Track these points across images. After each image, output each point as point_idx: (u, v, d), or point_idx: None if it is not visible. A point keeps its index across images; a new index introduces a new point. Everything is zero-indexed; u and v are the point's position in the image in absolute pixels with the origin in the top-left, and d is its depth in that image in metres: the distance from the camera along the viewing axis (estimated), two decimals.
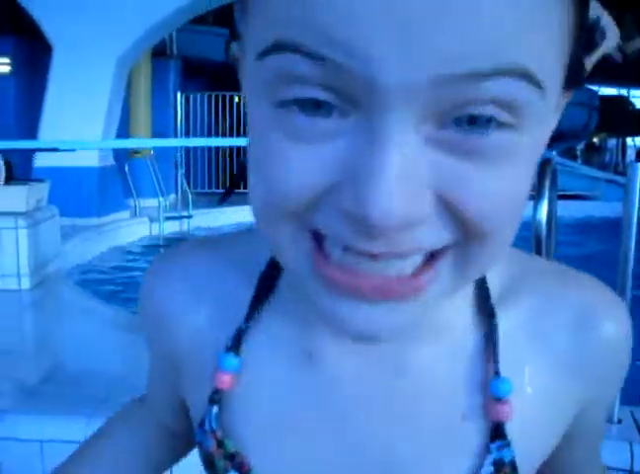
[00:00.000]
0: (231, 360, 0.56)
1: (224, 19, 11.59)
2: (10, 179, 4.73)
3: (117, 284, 5.86)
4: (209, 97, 12.96)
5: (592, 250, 8.31)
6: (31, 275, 4.64)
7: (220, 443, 0.56)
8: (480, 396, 0.54)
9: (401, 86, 0.34)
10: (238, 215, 9.71)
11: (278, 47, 0.36)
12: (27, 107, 9.42)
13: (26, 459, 2.43)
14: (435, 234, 0.39)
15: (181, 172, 10.85)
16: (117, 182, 8.28)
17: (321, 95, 0.36)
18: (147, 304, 0.63)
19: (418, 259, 0.41)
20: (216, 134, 13.21)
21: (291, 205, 0.40)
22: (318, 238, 0.42)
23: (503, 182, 0.38)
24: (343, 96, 0.36)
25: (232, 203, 10.55)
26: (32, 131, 7.77)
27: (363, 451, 0.55)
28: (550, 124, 0.44)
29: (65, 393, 2.74)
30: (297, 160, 0.38)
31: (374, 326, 0.41)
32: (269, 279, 0.57)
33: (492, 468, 0.53)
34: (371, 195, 0.35)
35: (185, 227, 8.93)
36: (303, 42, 0.35)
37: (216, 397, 0.57)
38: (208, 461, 0.58)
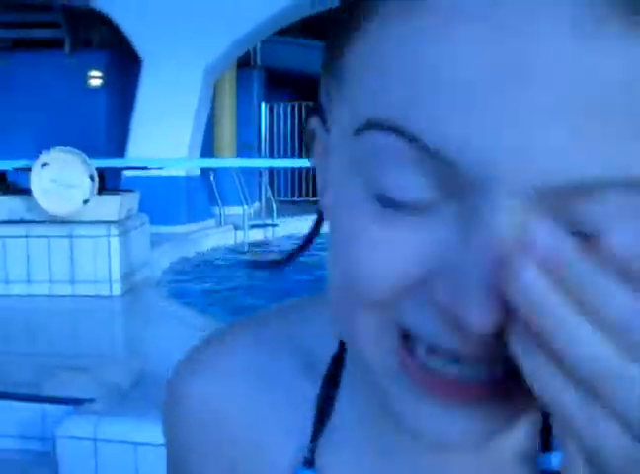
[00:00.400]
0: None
1: (307, 29, 11.74)
2: (102, 189, 4.87)
3: (202, 291, 5.95)
4: (293, 107, 13.10)
5: None
6: (122, 281, 4.76)
7: None
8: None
9: (511, 192, 0.30)
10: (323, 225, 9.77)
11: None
12: (117, 118, 9.70)
13: (120, 461, 2.50)
14: None
15: (265, 180, 10.97)
16: (203, 191, 8.43)
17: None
18: (183, 409, 0.53)
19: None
20: (300, 143, 13.32)
21: (375, 294, 0.35)
22: (404, 335, 0.36)
23: None
24: (444, 188, 0.32)
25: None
26: (121, 141, 8.00)
27: None
28: None
29: (157, 397, 2.80)
30: (387, 243, 0.34)
31: (447, 433, 0.37)
32: (334, 380, 0.49)
33: None
34: (473, 291, 0.31)
35: (269, 235, 9.01)
36: (408, 127, 0.31)
37: None
38: None
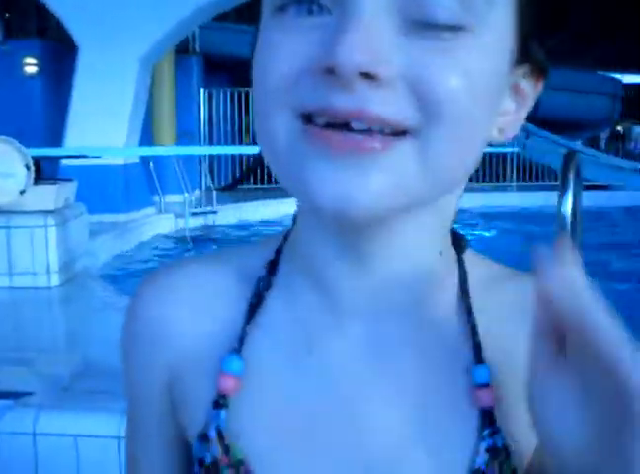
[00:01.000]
0: (235, 363, 0.56)
1: (245, 15, 11.68)
2: (38, 178, 4.79)
3: (140, 278, 5.92)
4: (232, 93, 13.02)
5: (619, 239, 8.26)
6: (60, 271, 4.69)
7: (227, 449, 0.55)
8: (465, 382, 0.56)
9: None
10: (263, 210, 9.78)
11: None
12: (53, 106, 9.53)
13: (60, 454, 2.48)
14: (399, 108, 0.45)
15: (205, 168, 10.91)
16: (142, 178, 8.35)
17: None
18: (142, 315, 0.63)
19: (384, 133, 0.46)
20: (239, 130, 13.27)
21: (282, 83, 0.47)
22: (307, 120, 0.47)
23: (461, 71, 0.45)
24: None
25: (257, 198, 10.61)
26: (58, 130, 7.86)
27: (367, 448, 0.55)
28: (501, 52, 0.49)
29: (98, 389, 2.79)
30: (288, 45, 0.46)
31: (347, 190, 0.46)
32: (265, 282, 0.59)
33: (487, 456, 0.54)
34: (339, 44, 0.43)
35: (210, 222, 8.98)
36: None
37: (222, 401, 0.56)
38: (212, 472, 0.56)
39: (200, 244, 7.90)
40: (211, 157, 11.77)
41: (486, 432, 0.54)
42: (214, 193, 9.33)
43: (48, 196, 4.74)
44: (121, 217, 7.49)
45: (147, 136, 9.46)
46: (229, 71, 13.90)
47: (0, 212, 4.67)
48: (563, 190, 2.65)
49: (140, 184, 8.21)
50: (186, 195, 8.36)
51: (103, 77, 7.52)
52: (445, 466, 0.54)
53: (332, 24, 0.45)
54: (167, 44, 8.58)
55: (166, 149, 7.49)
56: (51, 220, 4.63)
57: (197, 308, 0.61)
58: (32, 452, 2.49)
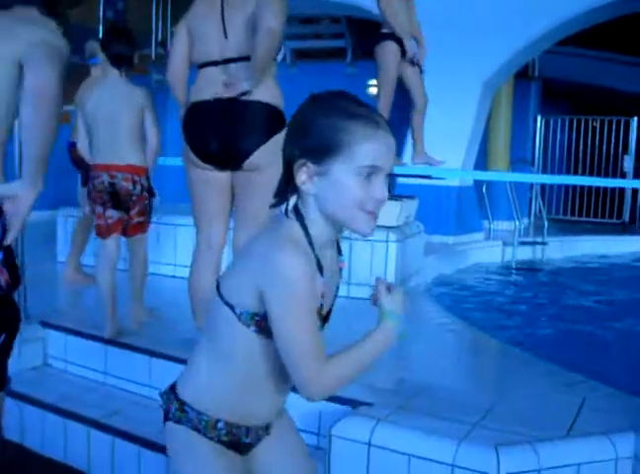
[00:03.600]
0: (322, 279, 1.48)
1: (585, 39, 11.14)
2: None
3: (467, 303, 5.83)
4: (571, 121, 12.51)
5: None
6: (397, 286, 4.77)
7: (322, 306, 1.52)
8: (338, 261, 1.62)
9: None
10: (594, 245, 9.21)
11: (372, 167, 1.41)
12: (395, 125, 9.86)
13: (392, 470, 2.46)
14: None
15: (536, 196, 10.56)
16: (474, 202, 8.29)
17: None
18: (304, 271, 1.40)
19: None
20: (575, 160, 12.70)
21: (358, 203, 1.42)
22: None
23: None
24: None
25: (591, 232, 10.03)
26: (398, 150, 8.09)
27: (332, 291, 1.61)
28: None
29: (432, 411, 2.73)
30: (360, 190, 1.41)
31: (372, 230, 1.49)
32: (312, 246, 1.47)
33: (337, 289, 1.67)
34: (377, 194, 1.49)
35: (538, 254, 8.62)
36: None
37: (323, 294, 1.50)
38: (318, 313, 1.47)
39: (526, 275, 7.63)
40: (543, 186, 11.38)
41: (340, 274, 1.67)
42: (545, 223, 8.95)
43: (392, 211, 4.85)
44: (450, 239, 7.50)
45: (481, 160, 9.40)
46: (567, 97, 13.39)
47: None
48: None
49: (472, 208, 8.16)
50: (516, 222, 8.12)
51: (445, 99, 7.60)
52: (335, 284, 1.64)
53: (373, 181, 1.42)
54: (510, 69, 8.47)
55: (503, 175, 7.34)
56: (393, 236, 4.73)
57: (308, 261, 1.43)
58: (364, 462, 2.49)
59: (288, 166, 1.47)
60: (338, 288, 1.66)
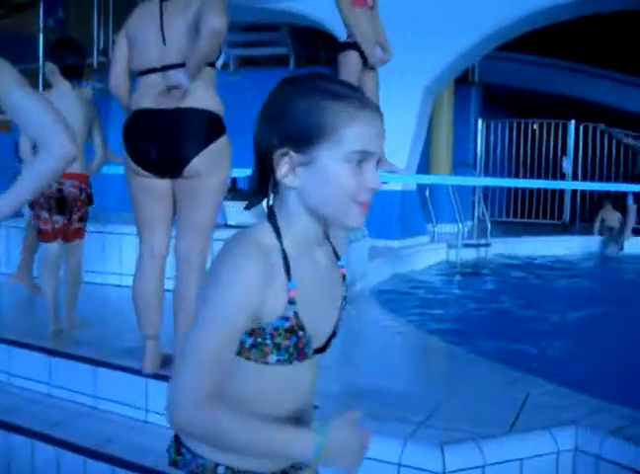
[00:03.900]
0: (293, 284, 1.22)
1: (525, 45, 11.39)
2: None
3: (412, 305, 5.91)
4: (511, 124, 12.78)
5: None
6: None
7: (298, 318, 1.23)
8: (338, 269, 1.35)
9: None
10: (535, 246, 9.42)
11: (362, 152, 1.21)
12: None
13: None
14: None
15: (479, 199, 10.75)
16: (417, 206, 8.40)
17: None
18: (245, 277, 1.18)
19: None
20: (516, 162, 12.97)
21: (350, 194, 1.21)
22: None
23: None
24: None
25: (533, 233, 10.25)
26: None
27: (332, 305, 1.32)
28: None
29: (376, 411, 2.77)
30: (353, 178, 1.21)
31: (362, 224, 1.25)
32: (282, 246, 1.24)
33: (345, 301, 1.36)
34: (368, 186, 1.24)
35: (482, 255, 8.78)
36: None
37: (292, 300, 1.22)
38: (289, 332, 1.22)
39: (470, 276, 7.76)
40: (486, 189, 11.59)
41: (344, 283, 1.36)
42: (488, 225, 9.13)
43: None
44: (395, 243, 7.58)
45: (424, 165, 9.52)
46: (507, 101, 13.67)
47: None
48: None
49: (416, 211, 8.27)
50: (460, 225, 8.25)
51: (387, 105, 7.67)
52: (339, 298, 1.34)
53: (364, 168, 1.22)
54: (451, 74, 8.61)
55: (445, 178, 7.46)
56: None
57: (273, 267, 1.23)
58: None
59: (264, 158, 1.24)
60: (345, 300, 1.36)
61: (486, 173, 12.29)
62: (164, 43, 3.09)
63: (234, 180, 5.68)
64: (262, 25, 10.18)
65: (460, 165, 10.73)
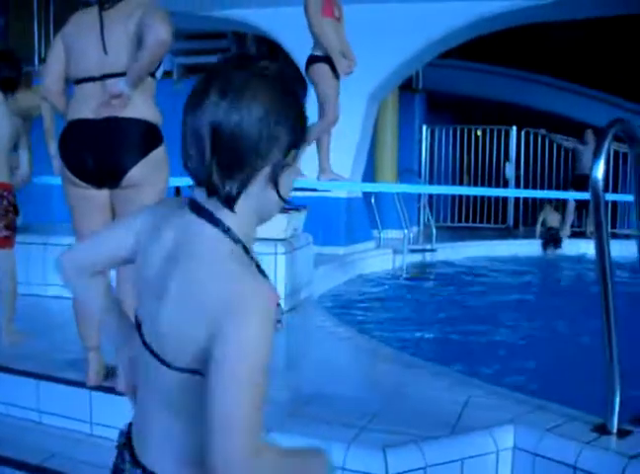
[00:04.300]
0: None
1: (468, 52, 11.59)
2: None
3: (359, 312, 5.95)
4: (455, 130, 12.97)
5: None
6: (286, 299, 4.82)
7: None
8: None
9: None
10: (480, 250, 9.57)
11: None
12: None
13: None
14: None
15: (424, 205, 10.89)
16: (363, 213, 8.46)
17: None
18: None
19: None
20: (460, 168, 13.17)
21: None
22: None
23: None
24: None
25: (478, 238, 10.41)
26: None
27: None
28: None
29: (319, 417, 2.80)
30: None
31: None
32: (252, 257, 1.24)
33: None
34: None
35: (428, 260, 8.90)
36: None
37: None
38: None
39: (416, 280, 7.85)
40: (431, 194, 11.74)
41: None
42: (434, 231, 9.26)
43: (280, 224, 4.91)
44: (341, 250, 7.62)
45: (369, 172, 9.60)
46: (451, 108, 13.87)
47: None
48: None
49: (361, 218, 8.33)
50: (405, 231, 8.35)
51: None
52: None
53: None
54: (394, 82, 8.71)
55: (391, 186, 7.54)
56: (281, 248, 4.78)
57: None
58: None
59: (253, 170, 1.13)
60: None
61: (431, 179, 12.46)
62: (105, 52, 3.07)
63: (177, 189, 5.65)
64: (207, 32, 10.16)
65: (405, 172, 10.85)
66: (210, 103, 1.11)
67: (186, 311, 1.12)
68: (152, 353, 1.19)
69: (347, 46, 5.78)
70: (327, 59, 5.61)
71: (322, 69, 5.64)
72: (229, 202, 1.14)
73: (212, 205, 1.16)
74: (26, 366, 3.53)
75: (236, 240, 1.15)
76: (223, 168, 1.12)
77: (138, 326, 1.25)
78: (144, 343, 1.21)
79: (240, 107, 1.10)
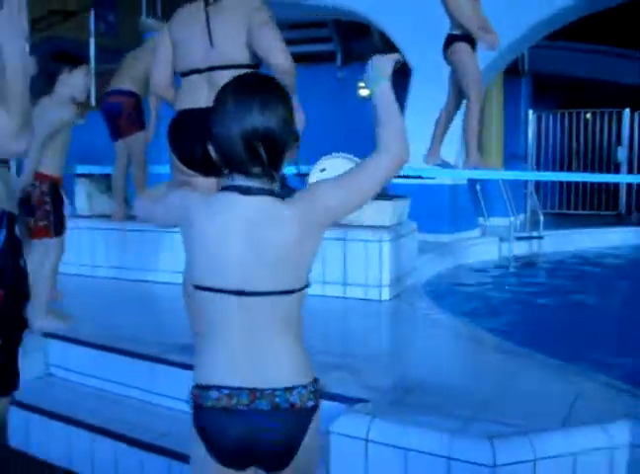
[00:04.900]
0: None
1: (576, 33, 11.17)
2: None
3: (464, 300, 5.87)
4: (562, 115, 12.56)
5: None
6: (390, 286, 4.81)
7: None
8: None
9: None
10: (590, 238, 9.25)
11: None
12: None
13: (389, 464, 2.49)
14: None
15: (531, 191, 10.60)
16: (468, 200, 8.33)
17: None
18: None
19: None
20: (569, 153, 12.75)
21: None
22: None
23: None
24: None
25: (587, 225, 10.07)
26: None
27: None
28: None
29: (427, 404, 2.77)
30: None
31: None
32: None
33: None
34: None
35: (534, 248, 8.66)
36: None
37: None
38: None
39: (523, 269, 7.67)
40: (537, 182, 11.42)
41: None
42: (541, 218, 8.99)
43: (385, 211, 4.89)
44: (445, 238, 7.53)
45: None
46: (558, 91, 13.43)
47: (339, 225, 4.93)
48: None
49: (466, 205, 8.20)
50: (512, 218, 8.16)
51: (436, 98, 7.64)
52: None
53: None
54: (499, 66, 8.51)
55: (497, 173, 7.36)
56: (386, 236, 4.77)
57: None
58: (362, 457, 2.53)
59: (283, 152, 1.66)
60: None
61: (538, 165, 12.11)
62: (211, 45, 3.14)
63: (283, 177, 5.71)
64: (307, 22, 10.20)
65: (511, 158, 10.59)
66: (253, 117, 1.58)
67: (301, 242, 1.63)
68: (269, 293, 1.61)
69: (486, 22, 5.58)
70: (466, 38, 5.45)
71: (462, 48, 5.48)
72: (278, 182, 1.64)
73: (264, 185, 1.63)
74: (141, 349, 3.66)
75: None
76: (272, 160, 1.61)
77: (232, 292, 1.61)
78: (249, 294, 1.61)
79: (273, 116, 1.59)
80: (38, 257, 4.06)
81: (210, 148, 1.68)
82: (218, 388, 1.62)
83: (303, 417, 1.64)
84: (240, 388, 1.61)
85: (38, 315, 4.05)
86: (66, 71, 3.96)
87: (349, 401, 2.81)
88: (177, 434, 3.10)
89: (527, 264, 7.97)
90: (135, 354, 3.62)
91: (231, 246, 1.61)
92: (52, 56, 4.15)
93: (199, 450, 1.68)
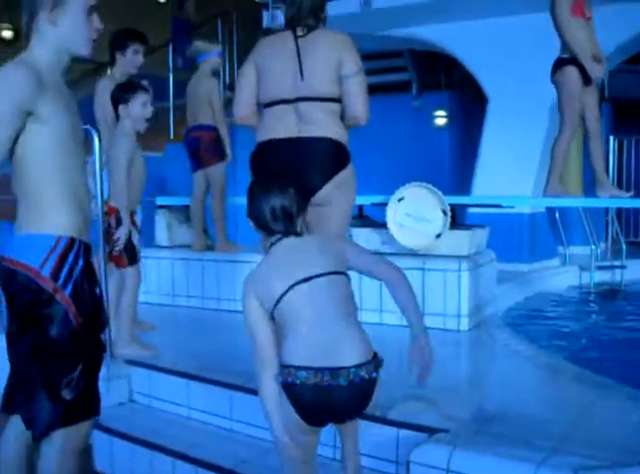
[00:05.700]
0: None
1: None
2: (453, 224, 4.96)
3: (543, 329, 5.75)
4: None
5: None
6: (469, 316, 4.76)
7: None
8: None
9: None
10: None
11: None
12: (461, 156, 9.87)
13: None
14: None
15: (612, 219, 10.34)
16: (547, 229, 8.19)
17: None
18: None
19: None
20: None
21: None
22: None
23: None
24: None
25: None
26: (465, 178, 8.10)
27: None
28: None
29: (506, 434, 2.74)
30: None
31: None
32: None
33: None
34: None
35: (617, 278, 8.42)
36: None
37: None
38: None
39: (604, 299, 7.47)
40: (620, 207, 11.13)
41: None
42: (624, 246, 8.76)
43: (463, 241, 4.87)
44: (525, 267, 7.41)
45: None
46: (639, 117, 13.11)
47: (416, 255, 4.93)
48: None
49: (545, 234, 8.07)
50: (592, 247, 7.98)
51: (511, 127, 7.60)
52: None
53: None
54: None
55: (577, 200, 7.21)
56: (465, 265, 4.74)
57: None
58: None
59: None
60: None
61: None
62: (301, 78, 3.20)
63: (360, 207, 5.76)
64: (382, 52, 10.28)
65: (592, 185, 10.34)
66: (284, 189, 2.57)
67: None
68: (336, 273, 2.39)
69: (597, 48, 5.46)
70: (576, 62, 5.36)
71: (569, 73, 5.39)
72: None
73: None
74: (221, 377, 3.73)
75: None
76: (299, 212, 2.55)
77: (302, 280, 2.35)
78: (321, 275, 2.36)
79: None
80: (116, 285, 4.22)
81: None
82: (306, 369, 2.19)
83: (370, 385, 2.27)
84: (322, 368, 2.18)
85: (121, 343, 4.18)
86: (124, 103, 4.09)
87: (428, 431, 2.80)
88: (256, 461, 3.14)
89: (609, 293, 7.75)
90: (217, 382, 3.69)
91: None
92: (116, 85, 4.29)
93: (290, 414, 2.29)
